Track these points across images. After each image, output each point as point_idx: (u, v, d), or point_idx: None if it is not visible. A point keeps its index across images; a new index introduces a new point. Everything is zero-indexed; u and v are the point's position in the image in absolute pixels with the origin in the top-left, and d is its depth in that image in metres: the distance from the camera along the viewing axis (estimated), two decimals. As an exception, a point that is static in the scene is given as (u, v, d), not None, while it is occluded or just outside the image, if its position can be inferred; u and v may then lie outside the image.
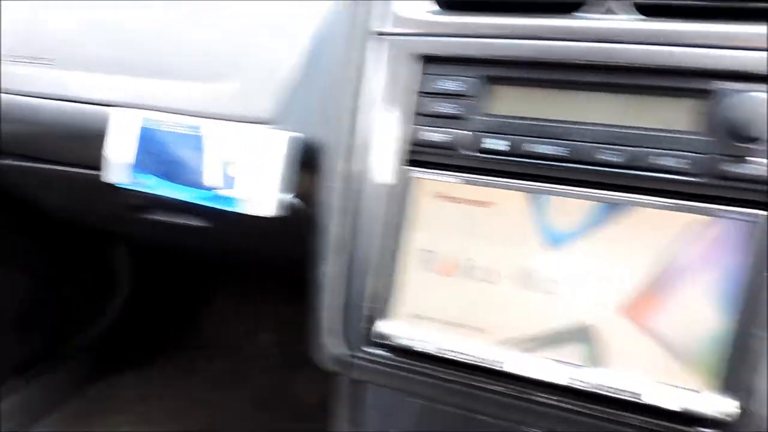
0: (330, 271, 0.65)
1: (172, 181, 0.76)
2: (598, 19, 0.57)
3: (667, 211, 0.53)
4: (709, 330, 0.53)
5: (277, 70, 0.78)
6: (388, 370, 0.64)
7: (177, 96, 0.82)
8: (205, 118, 0.76)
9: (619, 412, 0.56)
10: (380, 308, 0.63)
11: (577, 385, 0.56)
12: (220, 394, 1.57)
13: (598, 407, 0.56)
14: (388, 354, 0.64)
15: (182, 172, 0.75)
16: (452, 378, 0.61)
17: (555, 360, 0.57)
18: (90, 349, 1.60)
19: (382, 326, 0.63)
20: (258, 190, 0.71)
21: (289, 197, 0.71)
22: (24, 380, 1.42)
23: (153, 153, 0.76)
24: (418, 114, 0.62)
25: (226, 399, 1.55)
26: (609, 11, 0.57)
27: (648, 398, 0.54)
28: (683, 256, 0.53)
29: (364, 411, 0.71)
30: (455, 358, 0.60)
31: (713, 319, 0.53)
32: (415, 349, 0.61)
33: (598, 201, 0.55)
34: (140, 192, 0.77)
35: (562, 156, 0.56)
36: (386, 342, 0.63)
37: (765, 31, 0.52)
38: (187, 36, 0.85)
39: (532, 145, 0.57)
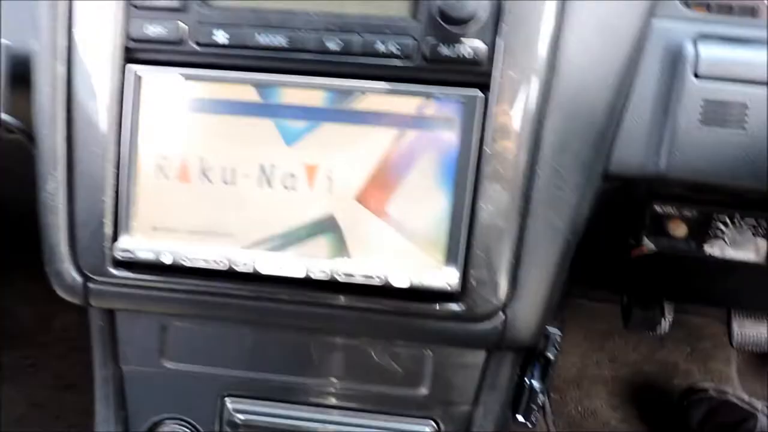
0: (52, 189, 0.58)
1: None
2: None
3: (389, 96, 0.54)
4: (435, 209, 0.56)
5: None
6: (132, 291, 0.60)
7: None
8: None
9: (367, 298, 0.57)
10: (115, 224, 0.58)
11: (325, 276, 0.56)
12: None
13: (352, 296, 0.58)
14: (131, 274, 0.59)
15: None
16: (202, 289, 0.59)
17: (304, 256, 0.57)
18: None
19: (119, 243, 0.58)
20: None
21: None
22: None
23: None
24: (134, 6, 0.56)
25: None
26: None
27: (391, 280, 0.56)
28: (406, 140, 0.55)
29: (117, 346, 0.67)
30: (202, 266, 0.57)
31: (438, 197, 0.55)
32: (158, 261, 0.57)
33: (323, 89, 0.55)
34: None
35: (283, 45, 0.54)
36: (126, 259, 0.58)
37: None
38: None
39: (252, 35, 0.54)
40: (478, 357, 0.64)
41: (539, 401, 0.73)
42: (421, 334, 0.60)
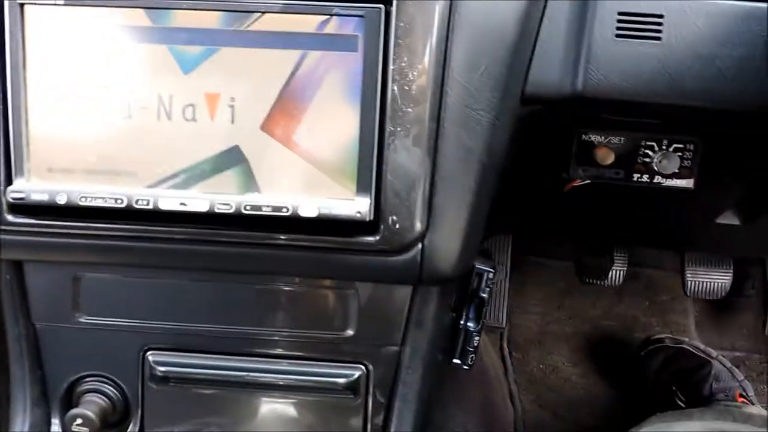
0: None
1: None
2: None
3: (288, 15, 0.51)
4: (343, 134, 0.53)
5: None
6: (32, 239, 0.57)
7: None
8: None
9: (277, 233, 0.55)
10: (8, 167, 0.54)
11: (230, 209, 0.54)
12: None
13: (260, 232, 0.55)
14: (28, 219, 0.55)
15: None
16: (103, 233, 0.56)
17: (212, 192, 0.54)
18: None
19: (12, 187, 0.54)
20: None
21: None
22: None
23: None
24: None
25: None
26: None
27: (300, 211, 0.54)
28: (309, 63, 0.52)
29: (28, 301, 0.63)
30: (100, 206, 0.54)
31: (346, 122, 0.53)
32: (53, 202, 0.54)
33: (217, 10, 0.51)
34: None
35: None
36: (20, 203, 0.54)
37: None
38: None
39: None
40: (403, 295, 0.62)
41: (475, 343, 0.71)
42: (338, 270, 0.58)
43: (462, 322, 0.71)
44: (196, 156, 0.54)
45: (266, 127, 0.54)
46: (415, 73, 0.51)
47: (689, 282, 1.46)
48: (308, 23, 0.52)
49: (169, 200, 0.53)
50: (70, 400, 0.66)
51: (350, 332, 0.63)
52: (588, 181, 0.70)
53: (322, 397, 0.65)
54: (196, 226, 0.54)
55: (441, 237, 0.56)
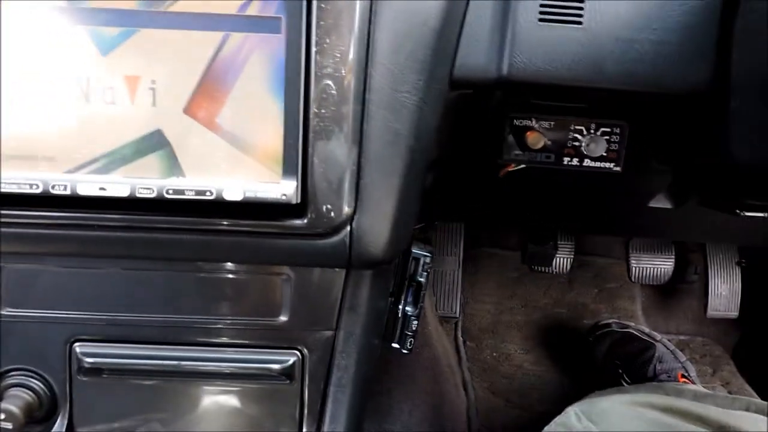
0: None
1: None
2: None
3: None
4: (267, 117, 0.53)
5: None
6: None
7: None
8: None
9: (202, 217, 0.54)
10: None
11: (152, 194, 0.52)
12: None
13: (185, 217, 0.54)
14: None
15: None
16: (19, 220, 0.54)
17: (134, 177, 0.53)
18: None
19: None
20: None
21: None
22: None
23: None
24: None
25: None
26: None
27: (224, 194, 0.53)
28: (231, 45, 0.51)
29: None
30: (14, 192, 0.52)
31: (270, 104, 0.52)
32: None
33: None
34: None
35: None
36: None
37: None
38: None
39: None
40: (336, 279, 0.62)
41: (413, 327, 0.72)
42: (266, 254, 0.57)
43: (400, 306, 0.71)
44: (116, 140, 0.53)
45: (189, 110, 0.52)
46: (338, 54, 0.51)
47: (634, 268, 1.50)
48: (230, 4, 0.51)
49: (88, 185, 0.52)
50: None
51: (284, 318, 0.62)
52: (522, 166, 0.71)
53: (257, 384, 0.64)
54: (117, 212, 0.53)
55: (369, 220, 0.56)
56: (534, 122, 0.68)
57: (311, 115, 0.52)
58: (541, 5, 0.55)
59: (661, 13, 0.56)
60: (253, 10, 0.51)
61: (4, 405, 0.60)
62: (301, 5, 0.51)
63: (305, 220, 0.54)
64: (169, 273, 0.61)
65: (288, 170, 0.53)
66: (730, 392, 1.40)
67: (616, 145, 0.67)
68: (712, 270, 1.49)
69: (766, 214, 0.64)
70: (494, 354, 1.54)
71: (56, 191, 0.52)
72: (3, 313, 0.61)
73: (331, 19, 0.51)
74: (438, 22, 0.54)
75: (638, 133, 0.67)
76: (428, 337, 1.23)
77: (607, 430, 0.55)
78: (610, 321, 1.43)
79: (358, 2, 0.51)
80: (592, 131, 0.67)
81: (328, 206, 0.54)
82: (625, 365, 1.33)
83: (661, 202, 0.83)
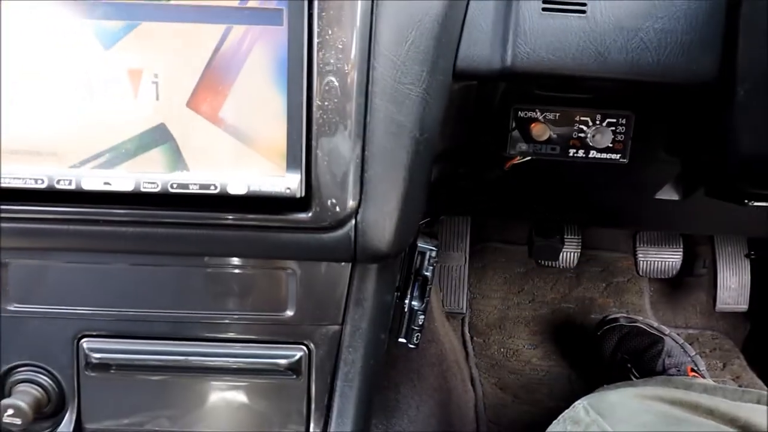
0: None
1: None
2: None
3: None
4: (271, 110, 0.52)
5: None
6: None
7: None
8: None
9: (206, 211, 0.54)
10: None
11: (157, 188, 0.52)
12: None
13: (189, 211, 0.54)
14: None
15: None
16: (24, 215, 0.54)
17: (138, 171, 0.53)
18: None
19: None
20: None
21: None
22: None
23: None
24: None
25: None
26: None
27: (229, 189, 0.53)
28: (233, 38, 0.51)
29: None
30: (19, 187, 0.52)
31: (273, 97, 0.52)
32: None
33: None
34: None
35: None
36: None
37: None
38: None
39: None
40: (342, 274, 0.62)
41: (420, 321, 0.72)
42: (271, 248, 0.57)
43: (407, 301, 0.71)
44: (120, 134, 0.53)
45: (192, 103, 0.52)
46: (340, 46, 0.51)
47: (641, 262, 1.49)
48: (228, 4, 0.51)
49: (93, 180, 0.52)
50: (2, 391, 0.64)
51: (290, 313, 0.62)
52: (527, 158, 0.70)
53: (264, 379, 0.64)
54: (122, 207, 0.53)
55: (374, 213, 0.55)
56: (539, 114, 0.67)
57: (314, 108, 0.52)
58: None
59: (666, 2, 0.55)
60: (254, 2, 0.51)
61: (13, 401, 0.60)
62: (302, -3, 0.51)
63: (309, 214, 0.54)
64: (175, 268, 0.61)
65: (292, 164, 0.53)
66: (740, 386, 1.39)
67: (622, 136, 0.66)
68: (720, 263, 1.48)
69: None
70: (502, 350, 1.53)
71: (61, 186, 0.52)
72: (10, 309, 0.62)
73: (333, 11, 0.50)
74: (441, 12, 0.53)
75: (644, 124, 0.67)
76: (435, 332, 1.22)
77: (616, 423, 0.55)
78: (618, 315, 1.42)
79: None
80: (597, 122, 0.66)
81: (333, 200, 0.54)
82: (634, 360, 1.32)
83: (667, 194, 0.83)
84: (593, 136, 0.66)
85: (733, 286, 1.47)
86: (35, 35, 0.51)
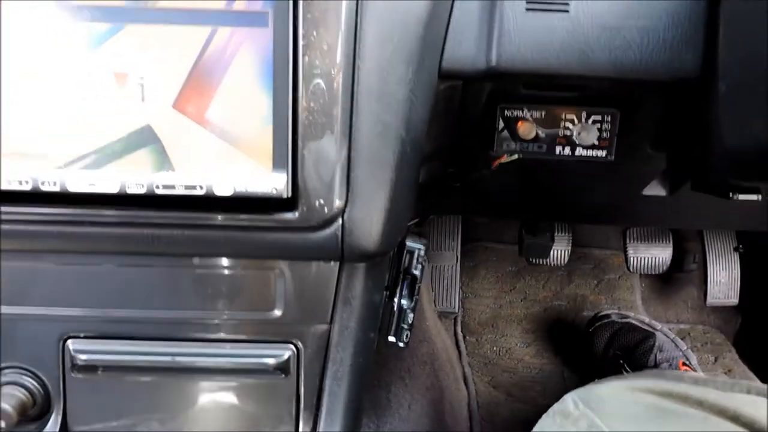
0: None
1: None
2: None
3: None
4: (257, 111, 0.53)
5: None
6: None
7: None
8: None
9: (192, 212, 0.54)
10: None
11: (143, 190, 0.53)
12: None
13: (175, 212, 0.54)
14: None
15: None
16: (9, 217, 0.54)
17: (124, 172, 0.53)
18: None
19: None
20: None
21: None
22: None
23: None
24: None
25: None
26: None
27: (215, 189, 0.53)
28: (219, 39, 0.51)
29: None
30: (4, 189, 0.52)
31: (259, 98, 0.52)
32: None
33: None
34: None
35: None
36: None
37: None
38: None
39: None
40: (330, 273, 0.62)
41: (409, 320, 0.72)
42: (258, 248, 0.57)
43: (396, 299, 0.71)
44: (106, 136, 0.53)
45: (178, 105, 0.53)
46: (325, 47, 0.51)
47: (631, 258, 1.50)
48: (214, 5, 0.51)
49: (78, 181, 0.52)
50: None
51: (278, 312, 0.63)
52: (514, 157, 0.71)
53: (252, 378, 0.64)
54: (108, 208, 0.53)
55: (361, 212, 0.56)
56: (525, 112, 0.68)
57: (300, 109, 0.52)
58: None
59: (648, 1, 0.55)
60: (240, 5, 0.51)
61: (-1, 404, 0.60)
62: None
63: (296, 214, 0.54)
64: (162, 269, 0.61)
65: (278, 164, 0.53)
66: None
67: (608, 133, 0.67)
68: (710, 257, 1.49)
69: (759, 197, 0.64)
70: (494, 348, 1.54)
71: (46, 188, 0.52)
72: None
73: (318, 12, 0.51)
74: (425, 12, 0.53)
75: (629, 121, 0.67)
76: (426, 332, 1.23)
77: (605, 415, 0.55)
78: (610, 312, 1.43)
79: None
80: (583, 120, 0.67)
81: (319, 199, 0.54)
82: (626, 355, 1.33)
83: (655, 190, 0.83)
84: (579, 134, 0.67)
85: (723, 280, 1.48)
86: (19, 37, 0.51)
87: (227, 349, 0.64)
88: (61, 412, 0.64)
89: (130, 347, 0.63)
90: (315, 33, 0.51)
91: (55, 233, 0.55)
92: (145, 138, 0.53)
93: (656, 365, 1.26)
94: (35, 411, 0.64)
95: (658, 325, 1.39)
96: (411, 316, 0.72)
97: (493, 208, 1.02)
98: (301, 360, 0.64)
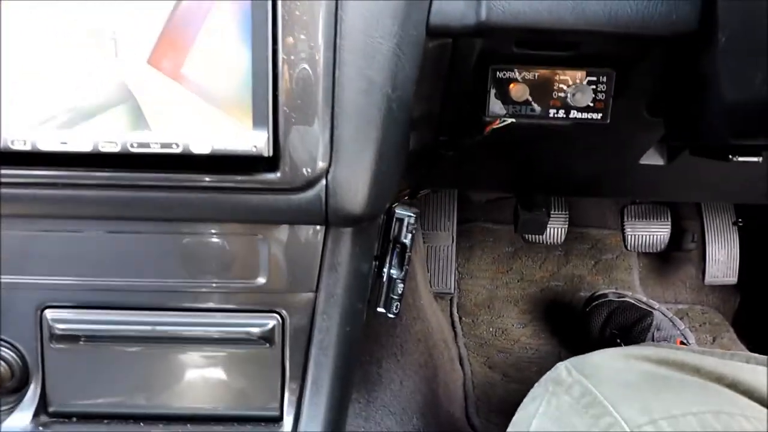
0: None
1: None
2: None
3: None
4: (235, 66, 0.50)
5: None
6: None
7: None
8: None
9: (170, 172, 0.52)
10: None
11: (116, 148, 0.50)
12: None
13: (151, 174, 0.52)
14: None
15: None
16: None
17: (98, 131, 0.51)
18: None
19: None
20: None
21: None
22: None
23: None
24: None
25: None
26: None
27: (192, 148, 0.51)
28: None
29: None
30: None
31: (237, 53, 0.50)
32: None
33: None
34: None
35: None
36: None
37: None
38: None
39: None
40: (315, 239, 0.60)
41: (399, 290, 0.70)
42: (239, 211, 0.55)
43: (385, 270, 0.69)
44: (79, 94, 0.51)
45: (153, 60, 0.50)
46: (306, -3, 0.49)
47: (629, 236, 1.48)
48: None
49: (50, 140, 0.50)
50: None
51: (262, 280, 0.61)
52: (507, 122, 0.68)
53: (236, 348, 0.63)
54: (80, 169, 0.51)
55: (346, 173, 0.54)
56: (517, 74, 0.65)
57: (280, 62, 0.50)
58: None
59: None
60: (214, -47, 0.49)
61: (-25, 376, 0.59)
62: (265, -54, 0.48)
63: (278, 174, 0.52)
64: (143, 236, 0.59)
65: (258, 121, 0.51)
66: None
67: (603, 94, 0.65)
68: (709, 235, 1.48)
69: (759, 159, 0.62)
70: (490, 329, 1.52)
71: (16, 147, 0.50)
72: None
73: None
74: None
75: (626, 82, 0.65)
76: (421, 310, 1.21)
77: (599, 382, 0.53)
78: (607, 291, 1.41)
79: None
80: (578, 81, 0.65)
81: (302, 159, 0.52)
82: (623, 334, 1.31)
83: (652, 159, 0.81)
84: (573, 95, 0.64)
85: (721, 258, 1.47)
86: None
87: (211, 318, 0.62)
88: (40, 384, 0.63)
89: (109, 317, 0.61)
90: (295, -17, 0.49)
91: (28, 196, 0.52)
92: (120, 95, 0.51)
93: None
94: (13, 383, 0.62)
95: (656, 304, 1.37)
96: (401, 286, 0.70)
97: (487, 181, 0.99)
98: (287, 329, 0.62)
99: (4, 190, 0.52)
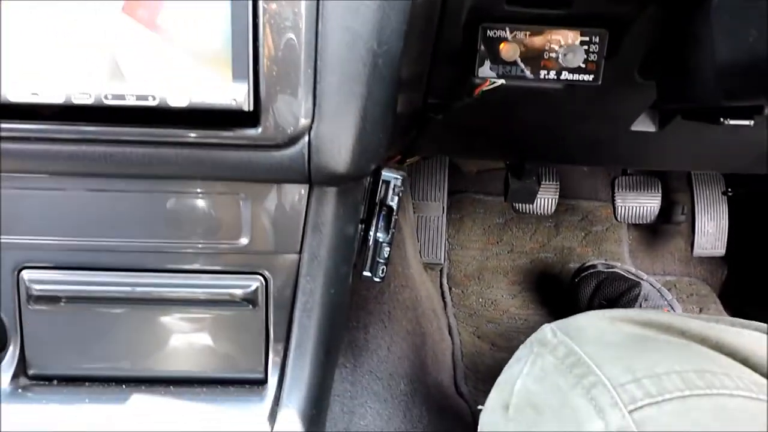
0: None
1: None
2: None
3: None
4: (213, 15, 0.48)
5: None
6: None
7: None
8: None
9: (148, 127, 0.50)
10: None
11: (90, 99, 0.48)
12: None
13: (126, 129, 0.50)
14: None
15: None
16: None
17: (72, 80, 0.48)
18: None
19: None
20: None
21: None
22: None
23: None
24: None
25: None
26: None
27: (169, 101, 0.48)
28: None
29: None
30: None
31: (215, 3, 0.48)
32: None
33: None
34: None
35: None
36: None
37: None
38: None
39: None
40: (299, 199, 0.58)
41: (385, 254, 0.69)
42: (219, 168, 0.53)
43: (371, 233, 0.68)
44: (51, 43, 0.48)
45: (127, 8, 0.48)
46: (286, -58, 0.47)
47: (619, 207, 1.48)
48: None
49: (20, 91, 0.48)
50: None
51: (244, 240, 0.59)
52: (497, 83, 0.67)
53: (219, 310, 0.62)
54: (53, 123, 0.49)
55: (329, 129, 0.52)
56: (508, 33, 0.64)
57: (260, 11, 0.48)
58: None
59: None
60: None
61: (-48, 337, 0.57)
62: None
63: (259, 130, 0.50)
64: (122, 195, 0.58)
65: (238, 73, 0.49)
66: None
67: (595, 55, 0.63)
68: (698, 207, 1.48)
69: (750, 122, 0.61)
70: (480, 300, 1.52)
71: (12, 98, 0.47)
72: None
73: None
74: None
75: (618, 43, 0.64)
76: (410, 278, 1.21)
77: (584, 343, 0.53)
78: (596, 262, 1.41)
79: None
80: (569, 41, 0.63)
81: (283, 113, 0.50)
82: (611, 304, 1.32)
83: (644, 125, 0.80)
84: (565, 56, 0.63)
85: (710, 230, 1.47)
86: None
87: (193, 279, 0.61)
88: (18, 346, 0.62)
89: (89, 277, 0.60)
90: (275, -73, 0.47)
91: None
92: (93, 45, 0.49)
93: (641, 314, 1.25)
94: (-9, 345, 0.61)
95: (644, 276, 1.38)
96: (387, 250, 0.69)
97: (476, 148, 0.98)
98: (270, 291, 0.61)
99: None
